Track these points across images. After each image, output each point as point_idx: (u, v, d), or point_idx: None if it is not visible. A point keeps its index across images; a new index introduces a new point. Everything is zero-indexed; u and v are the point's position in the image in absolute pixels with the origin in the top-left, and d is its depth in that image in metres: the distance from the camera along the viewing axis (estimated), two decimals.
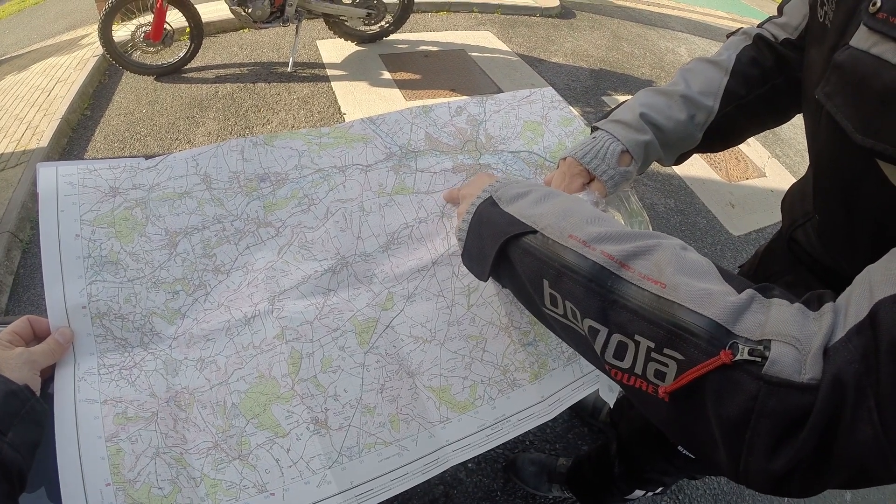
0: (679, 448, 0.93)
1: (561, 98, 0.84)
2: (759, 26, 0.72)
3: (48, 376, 0.58)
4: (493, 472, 1.42)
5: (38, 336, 0.57)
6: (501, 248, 0.49)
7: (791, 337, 0.32)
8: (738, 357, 0.32)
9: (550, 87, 0.86)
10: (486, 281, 0.55)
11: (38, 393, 0.52)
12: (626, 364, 0.38)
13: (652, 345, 0.36)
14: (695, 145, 0.71)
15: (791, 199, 0.76)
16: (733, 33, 0.75)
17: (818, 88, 0.48)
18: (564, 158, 0.70)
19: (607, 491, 1.19)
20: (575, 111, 0.83)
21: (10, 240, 2.33)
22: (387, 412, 0.60)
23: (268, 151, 0.69)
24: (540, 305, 0.46)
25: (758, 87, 0.68)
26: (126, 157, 0.66)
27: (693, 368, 0.33)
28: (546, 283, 0.44)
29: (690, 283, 0.36)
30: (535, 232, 0.47)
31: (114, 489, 0.50)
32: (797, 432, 0.31)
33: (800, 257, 0.72)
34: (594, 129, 0.72)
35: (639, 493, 1.15)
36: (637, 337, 0.37)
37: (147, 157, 0.66)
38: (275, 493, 0.55)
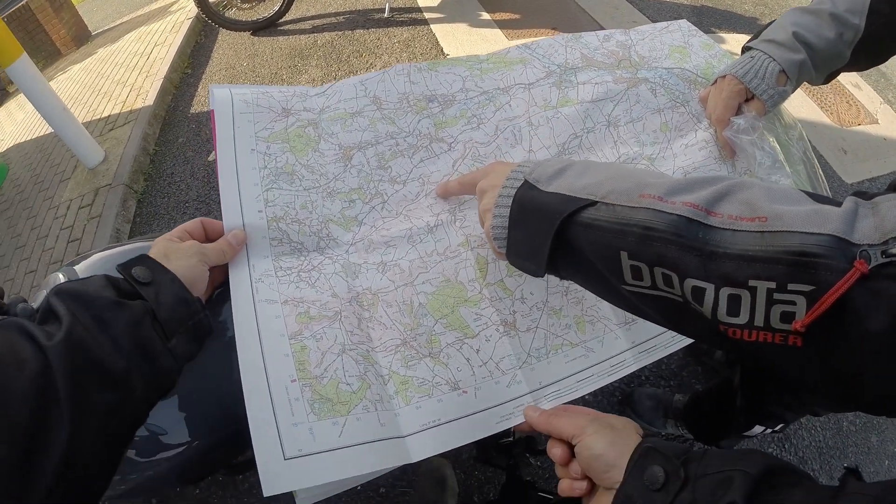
0: None
1: (697, 28, 0.86)
2: None
3: (219, 284, 0.57)
4: (610, 406, 1.39)
5: (210, 238, 0.56)
6: (558, 233, 0.43)
7: None
8: (874, 263, 0.30)
9: (685, 20, 0.87)
10: (542, 276, 0.48)
11: (205, 300, 0.50)
12: (742, 319, 0.34)
13: (773, 285, 0.32)
14: (843, 63, 0.71)
15: None
16: None
17: None
18: (724, 77, 0.70)
19: (726, 426, 1.14)
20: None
21: (126, 191, 2.35)
22: (572, 314, 0.60)
23: (433, 76, 0.71)
24: (618, 284, 0.41)
25: None
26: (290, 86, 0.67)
27: (829, 292, 0.30)
28: (624, 255, 0.39)
29: (792, 209, 0.34)
30: (594, 204, 0.41)
31: (300, 385, 0.48)
32: None
33: None
34: (746, 48, 0.73)
35: (758, 429, 1.10)
36: (752, 283, 0.33)
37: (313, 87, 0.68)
38: (467, 392, 0.54)
